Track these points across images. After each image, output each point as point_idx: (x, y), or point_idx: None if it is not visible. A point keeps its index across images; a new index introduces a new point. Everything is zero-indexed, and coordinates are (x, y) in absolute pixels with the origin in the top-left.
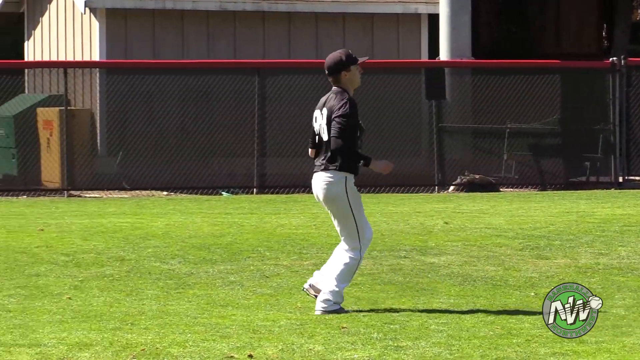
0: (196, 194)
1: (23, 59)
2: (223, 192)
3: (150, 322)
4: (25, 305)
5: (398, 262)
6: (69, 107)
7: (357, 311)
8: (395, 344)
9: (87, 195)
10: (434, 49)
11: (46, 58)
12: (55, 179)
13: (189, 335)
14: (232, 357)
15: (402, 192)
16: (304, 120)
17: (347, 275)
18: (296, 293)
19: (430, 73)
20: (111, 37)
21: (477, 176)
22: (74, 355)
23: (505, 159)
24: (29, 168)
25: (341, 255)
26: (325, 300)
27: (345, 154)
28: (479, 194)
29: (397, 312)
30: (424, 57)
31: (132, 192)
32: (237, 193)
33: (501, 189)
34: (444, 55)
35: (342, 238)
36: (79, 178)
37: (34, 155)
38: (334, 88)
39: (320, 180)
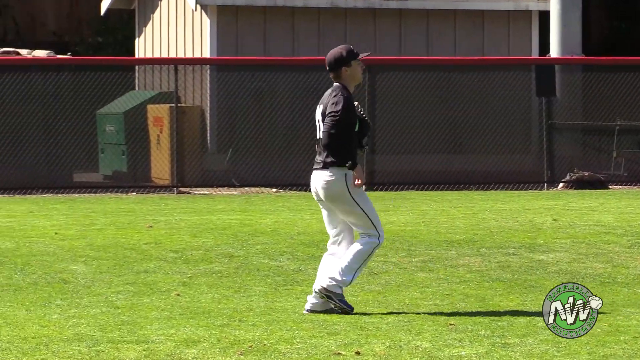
0: (305, 190)
1: (134, 55)
2: None
3: (258, 319)
4: (133, 302)
5: (506, 259)
6: (179, 104)
7: (464, 314)
8: (503, 341)
9: (197, 192)
10: (544, 46)
11: (157, 55)
12: (165, 175)
13: (297, 332)
14: (339, 354)
15: (511, 189)
16: (414, 117)
17: (359, 258)
18: (404, 290)
19: (541, 70)
20: (222, 33)
21: (587, 173)
22: (182, 351)
23: (614, 156)
24: (139, 165)
25: (355, 243)
26: (332, 278)
27: (335, 150)
28: (587, 191)
29: (505, 309)
30: (534, 54)
31: (241, 188)
32: None
33: (610, 186)
34: (554, 52)
35: (359, 232)
36: (189, 175)
37: (143, 152)
38: (334, 84)
39: (320, 179)
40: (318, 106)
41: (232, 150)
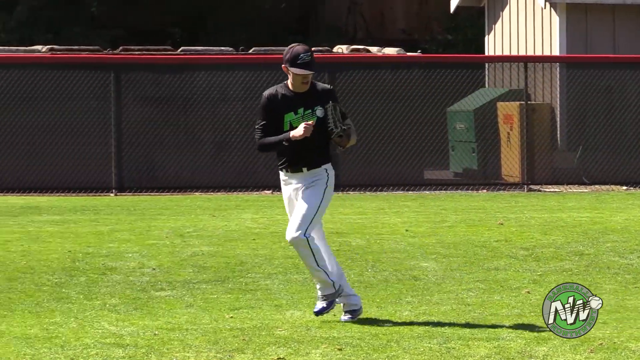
0: None
1: (483, 52)
2: None
3: (608, 317)
4: (484, 299)
5: None
6: (529, 102)
7: None
8: None
9: (547, 190)
10: None
11: (506, 52)
12: (515, 173)
13: None
14: None
15: None
16: None
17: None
18: None
19: None
20: (571, 31)
21: None
22: (532, 349)
23: None
24: (489, 162)
25: None
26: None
27: (259, 149)
28: None
29: None
30: None
31: (592, 186)
32: None
33: None
34: None
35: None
36: (539, 172)
37: (493, 150)
38: None
39: None
40: None
41: (582, 148)
